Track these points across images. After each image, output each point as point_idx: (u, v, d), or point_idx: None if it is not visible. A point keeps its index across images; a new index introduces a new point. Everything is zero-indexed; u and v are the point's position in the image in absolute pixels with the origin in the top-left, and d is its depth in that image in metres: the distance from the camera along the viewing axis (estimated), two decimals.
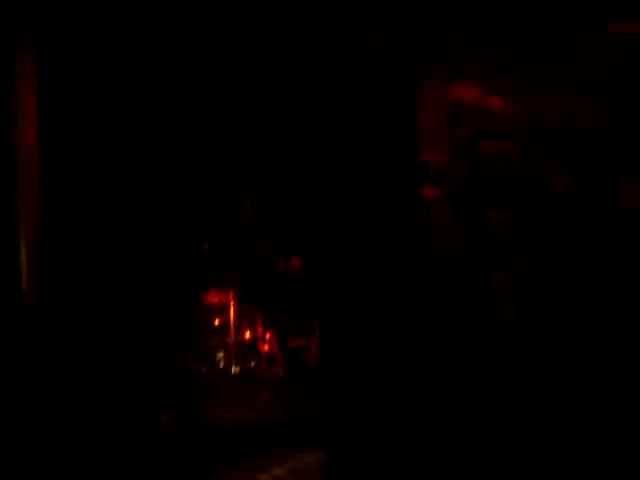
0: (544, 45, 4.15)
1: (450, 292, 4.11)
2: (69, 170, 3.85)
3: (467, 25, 4.19)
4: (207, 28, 4.13)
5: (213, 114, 4.23)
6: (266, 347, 4.31)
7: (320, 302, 4.13)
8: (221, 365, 4.24)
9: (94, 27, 3.90)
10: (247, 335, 4.33)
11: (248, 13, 4.16)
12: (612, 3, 4.09)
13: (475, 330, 4.06)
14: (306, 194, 4.19)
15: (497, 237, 4.13)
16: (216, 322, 4.32)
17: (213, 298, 4.32)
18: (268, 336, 4.32)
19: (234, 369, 4.24)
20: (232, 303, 4.30)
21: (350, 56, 4.19)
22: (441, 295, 4.10)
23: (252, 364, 4.28)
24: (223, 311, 4.32)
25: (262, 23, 4.18)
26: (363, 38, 4.21)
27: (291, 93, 4.23)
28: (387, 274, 4.11)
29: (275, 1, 4.16)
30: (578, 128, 4.11)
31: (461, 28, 4.19)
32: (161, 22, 4.06)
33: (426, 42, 4.21)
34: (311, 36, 4.19)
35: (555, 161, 4.08)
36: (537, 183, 4.12)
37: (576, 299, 3.98)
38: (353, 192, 4.16)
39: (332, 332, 4.12)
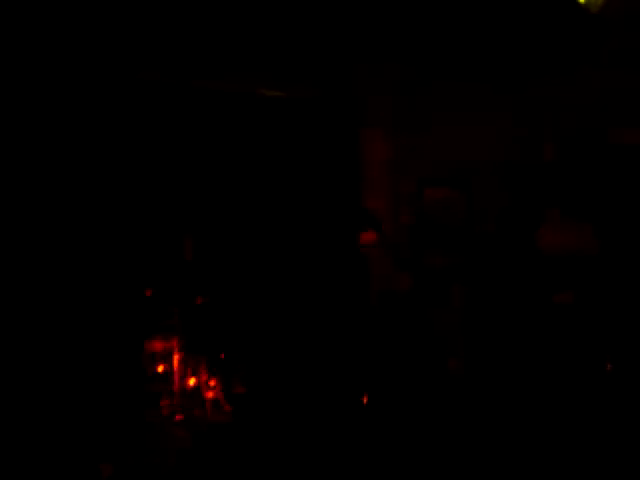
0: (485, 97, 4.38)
1: (393, 329, 4.22)
2: None
3: (412, 80, 4.40)
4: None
5: (153, 165, 4.27)
6: (210, 393, 4.27)
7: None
8: (165, 412, 4.17)
9: None
10: (191, 382, 4.29)
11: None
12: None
13: (420, 366, 4.16)
14: (251, 237, 4.26)
15: (436, 279, 4.29)
16: (160, 369, 4.26)
17: (157, 346, 4.28)
18: (212, 383, 4.29)
19: (178, 416, 4.18)
20: (176, 350, 4.27)
21: (293, 107, 4.34)
22: (384, 332, 4.21)
23: (196, 411, 4.23)
24: (166, 358, 4.27)
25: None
26: (305, 89, 4.36)
27: (235, 141, 4.32)
28: (331, 312, 4.21)
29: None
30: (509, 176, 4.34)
31: (406, 83, 4.40)
32: None
33: (369, 95, 4.40)
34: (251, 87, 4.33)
35: (490, 207, 4.30)
36: (473, 228, 4.32)
37: (511, 332, 4.15)
38: (296, 237, 4.26)
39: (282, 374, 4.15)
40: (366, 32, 4.22)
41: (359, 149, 4.37)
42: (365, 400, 4.04)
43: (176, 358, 4.24)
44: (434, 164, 4.37)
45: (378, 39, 4.27)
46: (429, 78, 4.37)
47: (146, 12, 3.99)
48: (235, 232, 4.30)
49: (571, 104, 4.38)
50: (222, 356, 4.28)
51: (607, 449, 3.75)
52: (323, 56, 4.32)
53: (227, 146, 4.28)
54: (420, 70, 4.36)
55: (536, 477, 3.74)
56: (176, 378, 4.22)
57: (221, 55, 4.20)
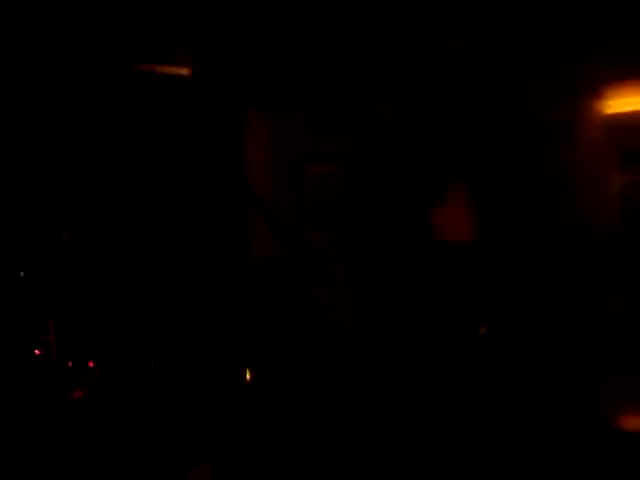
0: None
1: (271, 303, 4.22)
2: None
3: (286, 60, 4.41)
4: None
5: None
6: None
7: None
8: None
9: None
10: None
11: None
12: None
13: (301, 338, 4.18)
14: (131, 213, 4.19)
15: (319, 256, 4.30)
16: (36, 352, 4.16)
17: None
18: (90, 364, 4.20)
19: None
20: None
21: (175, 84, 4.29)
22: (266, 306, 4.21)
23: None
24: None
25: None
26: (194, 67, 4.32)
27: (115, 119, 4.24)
28: (212, 283, 4.19)
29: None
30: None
31: (282, 64, 4.40)
32: None
33: (250, 75, 4.38)
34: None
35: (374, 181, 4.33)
36: (356, 205, 4.34)
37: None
38: (179, 212, 4.21)
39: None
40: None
41: (242, 128, 4.35)
42: (247, 375, 4.03)
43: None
44: (315, 140, 4.37)
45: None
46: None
47: None
48: (113, 212, 4.22)
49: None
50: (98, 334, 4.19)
51: None
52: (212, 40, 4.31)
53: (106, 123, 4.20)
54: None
55: None
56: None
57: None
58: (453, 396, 3.94)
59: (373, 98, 4.41)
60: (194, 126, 4.31)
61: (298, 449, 3.82)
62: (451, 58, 4.27)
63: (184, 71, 4.33)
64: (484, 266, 4.10)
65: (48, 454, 3.80)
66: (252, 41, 4.38)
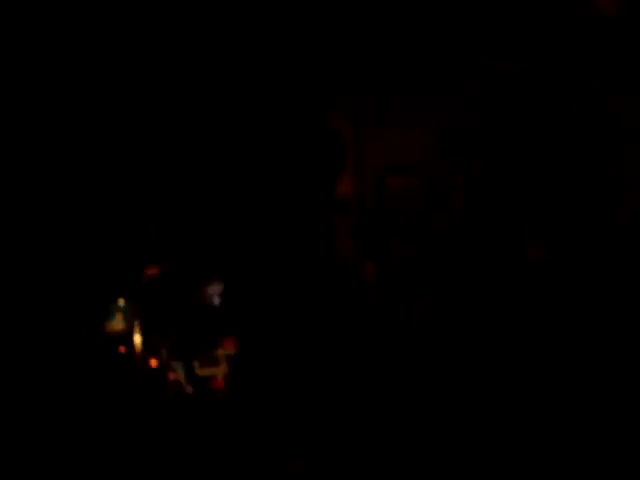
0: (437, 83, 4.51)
1: (359, 317, 4.30)
2: None
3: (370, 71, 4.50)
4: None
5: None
6: (172, 376, 4.26)
7: (240, 328, 4.19)
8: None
9: None
10: (153, 364, 4.26)
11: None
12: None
13: (385, 354, 4.26)
14: (228, 222, 4.28)
15: (401, 268, 4.39)
16: (120, 350, 4.23)
17: (117, 326, 4.24)
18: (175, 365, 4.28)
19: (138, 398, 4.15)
20: (137, 331, 4.24)
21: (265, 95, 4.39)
22: (350, 319, 4.29)
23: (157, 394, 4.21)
24: (127, 340, 4.24)
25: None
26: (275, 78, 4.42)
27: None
28: (301, 295, 4.27)
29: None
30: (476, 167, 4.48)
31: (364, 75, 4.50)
32: None
33: (331, 85, 4.48)
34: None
35: (457, 194, 4.43)
36: (440, 217, 4.45)
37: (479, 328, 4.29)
38: (270, 220, 4.31)
39: (251, 358, 4.17)
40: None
41: (330, 138, 4.45)
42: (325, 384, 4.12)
43: (137, 339, 4.21)
44: (398, 152, 4.47)
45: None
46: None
47: None
48: (203, 211, 4.31)
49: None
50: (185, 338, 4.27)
51: None
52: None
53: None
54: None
55: None
56: (137, 359, 4.19)
57: None
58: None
59: (454, 113, 4.53)
60: (281, 129, 4.41)
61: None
62: (528, 74, 4.40)
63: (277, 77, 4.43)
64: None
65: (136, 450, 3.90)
66: (340, 49, 4.48)
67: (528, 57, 4.35)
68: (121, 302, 4.24)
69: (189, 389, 4.22)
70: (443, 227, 4.43)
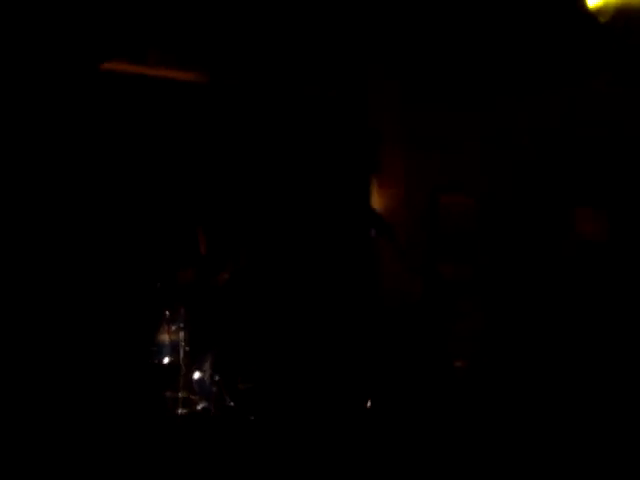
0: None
1: (405, 338, 4.23)
2: None
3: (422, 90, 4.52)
4: None
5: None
6: (214, 389, 4.24)
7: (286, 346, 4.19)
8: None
9: None
10: (195, 376, 4.26)
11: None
12: None
13: (429, 375, 4.17)
14: (265, 235, 4.30)
15: (451, 289, 4.32)
16: (165, 362, 4.25)
17: (164, 338, 4.27)
18: (217, 378, 4.26)
19: (181, 410, 4.14)
20: (183, 343, 4.25)
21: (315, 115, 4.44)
22: (396, 341, 4.22)
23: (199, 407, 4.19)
24: (173, 351, 4.25)
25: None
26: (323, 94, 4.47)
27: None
28: (341, 311, 4.24)
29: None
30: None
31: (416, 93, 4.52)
32: None
33: (382, 105, 4.51)
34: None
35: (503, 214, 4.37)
36: (494, 236, 4.38)
37: (533, 350, 4.16)
38: (310, 237, 4.31)
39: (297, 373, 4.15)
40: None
41: (375, 155, 4.46)
42: (369, 402, 4.02)
43: (182, 352, 4.21)
44: (450, 173, 4.46)
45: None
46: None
47: None
48: (249, 230, 4.34)
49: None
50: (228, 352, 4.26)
51: None
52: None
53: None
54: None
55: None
56: (182, 371, 4.19)
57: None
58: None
59: (508, 135, 4.50)
60: (332, 150, 4.44)
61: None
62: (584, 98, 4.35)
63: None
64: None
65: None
66: (396, 63, 4.50)
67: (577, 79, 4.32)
68: (168, 314, 4.27)
69: (230, 402, 4.19)
70: (494, 244, 4.36)
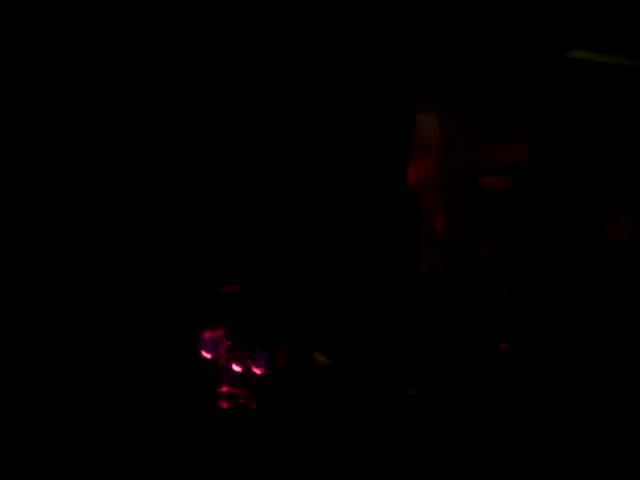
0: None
1: (445, 324, 4.16)
2: None
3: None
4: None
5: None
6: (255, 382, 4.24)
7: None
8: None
9: None
10: (238, 370, 4.25)
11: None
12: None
13: (462, 356, 4.11)
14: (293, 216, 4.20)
15: (490, 272, 4.21)
16: (209, 357, 4.24)
17: (207, 334, 4.25)
18: (259, 372, 4.25)
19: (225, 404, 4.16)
20: (224, 339, 4.23)
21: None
22: (429, 319, 4.15)
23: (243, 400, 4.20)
24: (215, 347, 4.24)
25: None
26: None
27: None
28: (377, 299, 4.16)
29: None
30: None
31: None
32: None
33: (423, 84, 4.31)
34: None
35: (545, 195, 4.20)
36: (531, 218, 4.23)
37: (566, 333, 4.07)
38: (347, 219, 4.20)
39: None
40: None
41: (412, 136, 4.29)
42: (413, 390, 3.98)
43: (223, 347, 4.20)
44: (490, 153, 4.27)
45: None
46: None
47: None
48: (272, 210, 4.23)
49: None
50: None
51: None
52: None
53: None
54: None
55: None
56: (224, 366, 4.19)
57: None
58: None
59: (545, 114, 4.30)
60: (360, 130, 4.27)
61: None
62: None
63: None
64: None
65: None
66: (435, 47, 4.30)
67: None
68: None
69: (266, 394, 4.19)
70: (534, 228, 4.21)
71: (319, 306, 4.21)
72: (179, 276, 4.21)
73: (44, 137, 3.96)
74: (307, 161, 4.17)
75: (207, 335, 4.19)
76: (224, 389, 4.16)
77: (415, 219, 4.15)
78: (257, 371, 4.22)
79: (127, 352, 4.11)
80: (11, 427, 3.66)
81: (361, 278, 4.11)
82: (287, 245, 4.24)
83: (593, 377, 3.95)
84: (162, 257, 4.21)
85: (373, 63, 4.24)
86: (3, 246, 3.87)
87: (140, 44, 3.96)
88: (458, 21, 4.19)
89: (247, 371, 4.22)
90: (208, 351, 4.19)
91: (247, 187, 4.23)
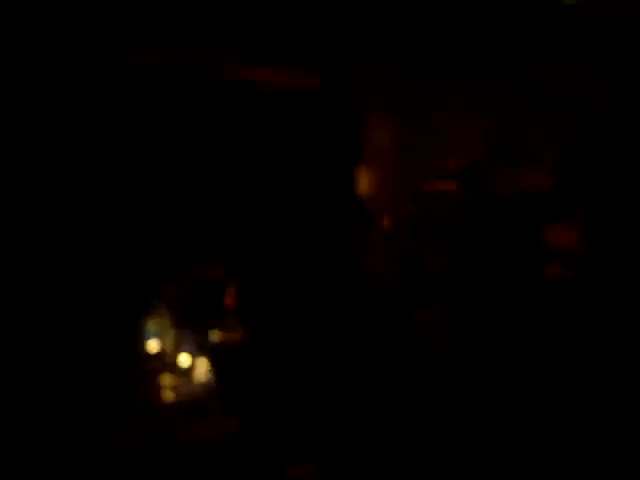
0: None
1: (382, 325, 4.29)
2: None
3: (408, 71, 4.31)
4: None
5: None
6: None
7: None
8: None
9: None
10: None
11: None
12: None
13: (405, 364, 4.26)
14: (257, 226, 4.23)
15: (430, 277, 4.33)
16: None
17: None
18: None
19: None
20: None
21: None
22: (374, 324, 4.28)
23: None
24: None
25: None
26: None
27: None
28: (325, 306, 4.26)
29: None
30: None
31: (402, 74, 4.31)
32: None
33: (368, 85, 4.31)
34: None
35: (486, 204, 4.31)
36: (473, 225, 4.34)
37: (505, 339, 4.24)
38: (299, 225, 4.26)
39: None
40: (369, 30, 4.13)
41: (360, 139, 4.31)
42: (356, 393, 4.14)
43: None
44: (438, 156, 4.34)
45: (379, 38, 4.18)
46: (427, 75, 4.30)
47: None
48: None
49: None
50: None
51: None
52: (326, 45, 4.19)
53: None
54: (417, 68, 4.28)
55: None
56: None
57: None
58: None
59: (501, 113, 4.35)
60: (311, 137, 4.28)
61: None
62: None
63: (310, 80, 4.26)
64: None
65: None
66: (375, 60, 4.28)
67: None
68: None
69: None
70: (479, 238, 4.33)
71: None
72: None
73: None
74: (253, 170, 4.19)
75: None
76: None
77: (365, 224, 4.22)
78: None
79: None
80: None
81: (310, 289, 4.20)
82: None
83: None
84: None
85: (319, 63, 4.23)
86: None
87: None
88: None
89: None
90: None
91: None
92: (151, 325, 4.26)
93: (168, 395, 4.23)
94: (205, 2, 4.02)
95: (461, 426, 4.08)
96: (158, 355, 4.27)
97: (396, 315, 4.24)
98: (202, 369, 4.28)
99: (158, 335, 4.26)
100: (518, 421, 4.05)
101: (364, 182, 4.30)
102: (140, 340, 4.24)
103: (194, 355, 4.29)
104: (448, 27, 4.23)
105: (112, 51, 4.01)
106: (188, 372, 4.28)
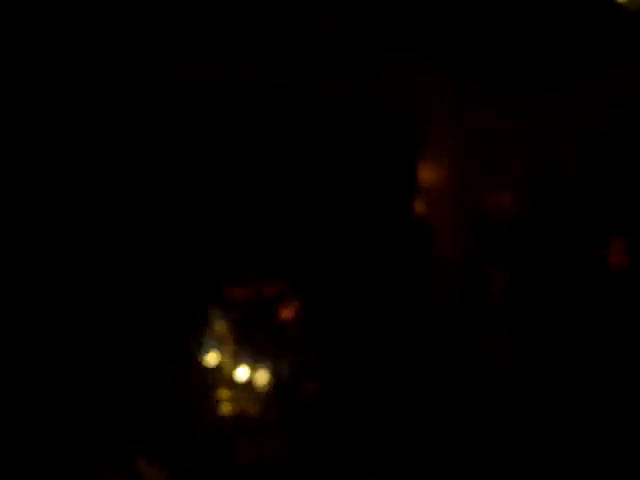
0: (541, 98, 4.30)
1: (446, 340, 4.28)
2: None
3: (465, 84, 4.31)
4: None
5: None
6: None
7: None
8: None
9: None
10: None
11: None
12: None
13: (470, 377, 4.25)
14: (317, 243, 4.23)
15: (493, 291, 4.32)
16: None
17: None
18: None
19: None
20: None
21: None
22: (438, 342, 4.27)
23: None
24: None
25: None
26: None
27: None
28: (389, 320, 4.25)
29: None
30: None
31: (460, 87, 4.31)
32: None
33: (426, 98, 4.30)
34: None
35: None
36: (534, 239, 4.32)
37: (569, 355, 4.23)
38: (358, 246, 4.25)
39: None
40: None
41: (419, 155, 4.31)
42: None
43: None
44: (494, 167, 4.32)
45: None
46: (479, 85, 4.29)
47: None
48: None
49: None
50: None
51: None
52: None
53: None
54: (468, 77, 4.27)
55: None
56: None
57: None
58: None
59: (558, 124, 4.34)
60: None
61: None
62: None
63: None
64: None
65: None
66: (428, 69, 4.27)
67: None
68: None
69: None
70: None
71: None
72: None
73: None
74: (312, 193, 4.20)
75: None
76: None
77: (426, 245, 4.21)
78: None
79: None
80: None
81: (374, 302, 4.19)
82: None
83: None
84: None
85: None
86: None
87: None
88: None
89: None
90: None
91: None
92: (210, 337, 4.28)
93: (226, 409, 4.23)
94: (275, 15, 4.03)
95: (528, 440, 4.07)
96: (216, 368, 4.29)
97: (461, 336, 4.22)
98: (261, 382, 4.28)
99: (217, 347, 4.28)
100: (587, 430, 4.03)
101: (423, 199, 4.28)
102: (199, 352, 4.26)
103: (253, 368, 4.30)
104: (511, 40, 4.21)
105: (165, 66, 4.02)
106: (247, 385, 4.29)
